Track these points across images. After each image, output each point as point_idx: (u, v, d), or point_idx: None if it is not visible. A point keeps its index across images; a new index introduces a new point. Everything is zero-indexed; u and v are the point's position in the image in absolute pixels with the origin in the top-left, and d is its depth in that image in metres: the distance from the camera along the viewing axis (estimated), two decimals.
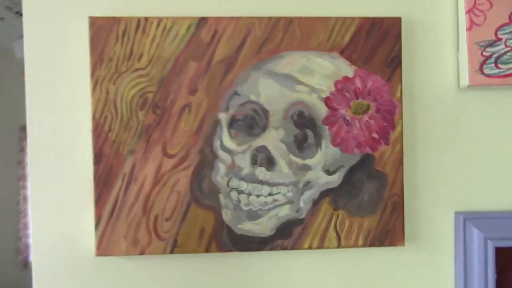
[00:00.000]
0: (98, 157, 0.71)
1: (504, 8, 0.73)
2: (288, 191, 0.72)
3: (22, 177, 3.14)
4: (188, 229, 0.71)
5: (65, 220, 0.72)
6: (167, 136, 0.72)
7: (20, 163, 3.17)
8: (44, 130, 0.72)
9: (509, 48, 0.73)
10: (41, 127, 0.72)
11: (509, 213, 0.74)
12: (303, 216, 0.73)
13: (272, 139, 0.72)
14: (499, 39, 0.73)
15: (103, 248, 0.71)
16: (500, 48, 0.73)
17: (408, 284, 0.75)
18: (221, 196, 0.72)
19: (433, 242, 0.75)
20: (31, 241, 0.72)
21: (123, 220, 0.71)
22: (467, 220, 0.74)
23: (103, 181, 0.71)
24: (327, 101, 0.72)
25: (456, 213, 0.75)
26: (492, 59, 0.73)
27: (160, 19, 0.71)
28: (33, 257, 0.72)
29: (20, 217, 3.13)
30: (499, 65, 0.73)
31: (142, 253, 0.71)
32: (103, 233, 0.71)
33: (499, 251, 0.73)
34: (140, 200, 0.71)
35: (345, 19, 0.73)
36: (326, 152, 0.72)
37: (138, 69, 0.71)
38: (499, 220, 0.74)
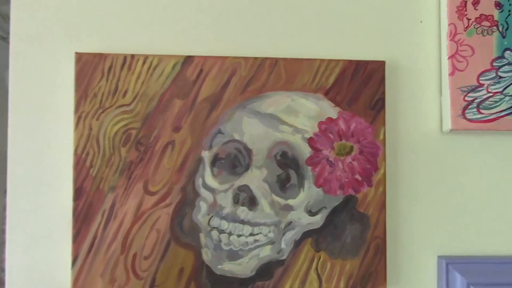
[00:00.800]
0: (78, 193, 0.70)
1: (485, 55, 0.74)
2: (269, 232, 0.71)
3: None
4: (167, 268, 0.70)
5: (42, 255, 0.71)
6: (149, 173, 0.71)
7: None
8: (25, 163, 0.71)
9: (491, 94, 0.74)
10: (22, 160, 0.72)
11: (493, 258, 0.74)
12: (284, 257, 0.72)
13: (255, 179, 0.72)
14: (481, 85, 0.74)
15: (79, 286, 0.69)
16: (482, 93, 0.74)
17: None
18: (201, 235, 0.71)
19: (416, 286, 0.74)
20: (6, 274, 0.71)
21: (101, 258, 0.70)
22: (450, 264, 0.73)
23: (82, 217, 0.70)
24: (310, 141, 0.72)
25: (439, 257, 0.74)
26: (475, 104, 0.74)
27: (146, 57, 0.72)
28: None
29: (3, 248, 3.07)
30: (481, 110, 0.74)
31: None
32: (80, 271, 0.69)
33: None
34: (119, 237, 0.70)
35: (330, 61, 0.74)
36: (309, 192, 0.72)
37: (122, 105, 0.71)
38: (482, 265, 0.73)
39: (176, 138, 0.72)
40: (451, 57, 0.74)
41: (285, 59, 0.73)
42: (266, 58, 0.73)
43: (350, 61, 0.74)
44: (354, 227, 0.72)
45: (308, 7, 0.76)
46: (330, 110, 0.73)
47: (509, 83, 0.74)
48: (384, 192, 0.73)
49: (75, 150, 0.71)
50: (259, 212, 0.71)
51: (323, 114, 0.73)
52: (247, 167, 0.72)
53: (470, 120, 0.74)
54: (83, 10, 0.74)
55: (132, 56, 0.72)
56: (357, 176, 0.73)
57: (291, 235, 0.72)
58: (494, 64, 0.74)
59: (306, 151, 0.72)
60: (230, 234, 0.71)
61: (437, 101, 0.76)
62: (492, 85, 0.74)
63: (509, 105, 0.74)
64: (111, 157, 0.71)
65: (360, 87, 0.74)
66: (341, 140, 0.73)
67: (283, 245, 0.72)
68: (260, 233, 0.71)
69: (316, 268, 0.72)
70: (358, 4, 0.76)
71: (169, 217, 0.71)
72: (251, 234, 0.71)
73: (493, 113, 0.74)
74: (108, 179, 0.71)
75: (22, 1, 0.73)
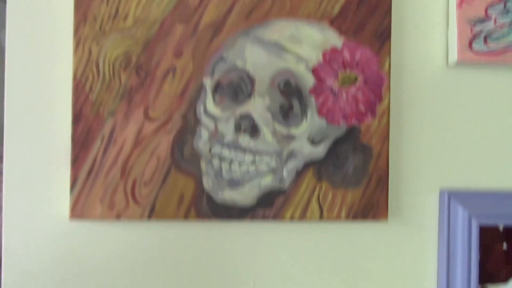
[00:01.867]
0: (77, 117, 0.69)
1: None
2: (271, 161, 0.70)
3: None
4: (167, 195, 0.69)
5: (40, 181, 0.70)
6: (150, 99, 0.70)
7: None
8: (23, 87, 0.70)
9: (498, 26, 0.73)
10: (20, 85, 0.70)
11: (495, 191, 0.73)
12: (285, 186, 0.71)
13: (257, 107, 0.70)
14: (489, 17, 0.73)
15: (78, 210, 0.68)
16: (489, 26, 0.72)
17: (390, 260, 0.73)
18: (202, 163, 0.70)
19: (417, 218, 0.74)
20: (3, 199, 0.70)
21: (100, 183, 0.69)
22: (452, 197, 0.72)
23: (82, 142, 0.69)
24: (314, 71, 0.71)
25: (441, 190, 0.74)
26: (482, 37, 0.72)
27: None
28: (5, 218, 0.69)
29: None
30: (488, 43, 0.72)
31: (118, 217, 0.69)
32: (79, 196, 0.68)
33: (483, 230, 0.72)
34: (119, 163, 0.69)
35: None
36: (312, 122, 0.71)
37: (123, 30, 0.70)
38: (484, 198, 0.73)
39: (178, 64, 0.70)
40: None
41: None
42: None
43: None
44: (357, 158, 0.72)
45: None
46: (335, 39, 0.72)
47: None
48: (387, 123, 0.72)
49: (74, 75, 0.69)
50: (261, 140, 0.70)
51: (327, 43, 0.72)
52: (249, 95, 0.70)
53: (476, 53, 0.72)
54: None
55: None
56: (361, 107, 0.72)
57: (293, 165, 0.71)
58: None
59: (309, 80, 0.71)
60: (231, 162, 0.70)
61: (443, 33, 0.75)
62: (500, 17, 0.73)
63: None
64: (111, 82, 0.69)
65: (366, 17, 0.72)
66: (345, 70, 0.72)
67: (284, 174, 0.71)
68: (262, 162, 0.70)
69: (318, 198, 0.71)
70: None
71: (169, 144, 0.70)
72: (253, 163, 0.70)
73: (500, 46, 0.73)
74: (108, 104, 0.69)
75: None
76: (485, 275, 0.73)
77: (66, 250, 0.70)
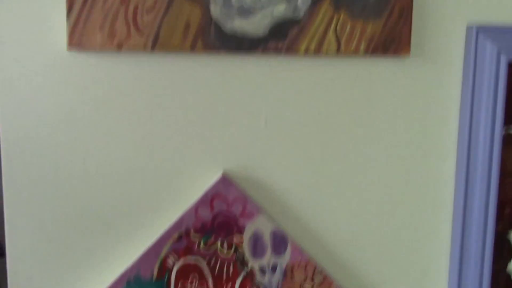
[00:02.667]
0: None
1: None
2: None
3: None
4: (172, 24, 0.64)
5: (33, 10, 0.64)
6: None
7: None
8: None
9: None
10: None
11: None
12: (300, 16, 0.65)
13: None
14: None
15: (76, 40, 0.63)
16: None
17: (410, 98, 0.69)
18: None
19: (441, 55, 0.68)
20: None
21: (99, 9, 0.63)
22: (480, 32, 0.67)
23: None
24: None
25: (468, 24, 0.68)
26: None
27: None
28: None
29: None
30: None
31: (119, 47, 0.64)
32: (76, 23, 0.63)
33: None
34: None
35: None
36: None
37: None
38: None
39: None
40: None
41: None
42: None
43: None
44: None
45: None
46: None
47: None
48: None
49: None
50: None
51: None
52: None
53: None
54: None
55: None
56: None
57: None
58: None
59: None
60: None
61: None
62: None
63: None
64: None
65: None
66: None
67: (299, 3, 0.65)
68: None
69: (335, 29, 0.66)
70: None
71: None
72: None
73: None
74: None
75: None
76: (510, 116, 0.68)
77: (65, 83, 0.65)
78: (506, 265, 0.72)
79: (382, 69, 0.68)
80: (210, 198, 0.68)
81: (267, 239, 0.69)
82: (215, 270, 0.69)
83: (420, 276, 0.73)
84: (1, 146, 0.66)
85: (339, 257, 0.72)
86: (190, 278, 0.69)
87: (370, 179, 0.70)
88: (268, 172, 0.69)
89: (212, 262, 0.69)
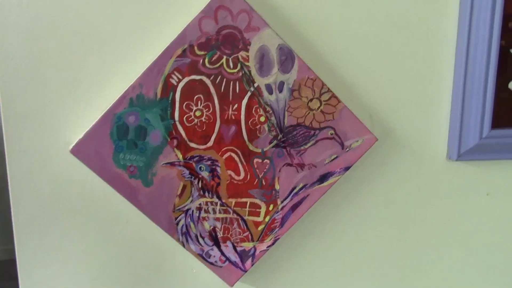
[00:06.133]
0: None
1: None
2: None
3: None
4: None
5: None
6: None
7: None
8: None
9: None
10: None
11: None
12: None
13: None
14: None
15: None
16: None
17: None
18: None
19: None
20: None
21: None
22: None
23: None
24: None
25: None
26: None
27: None
28: None
29: None
30: None
31: None
32: None
33: None
34: None
35: None
36: None
37: None
38: None
39: None
40: None
41: None
42: None
43: None
44: None
45: None
46: None
47: None
48: None
49: None
50: None
51: None
52: None
53: None
54: None
55: None
56: None
57: None
58: None
59: None
60: None
61: None
62: None
63: None
64: None
65: None
66: None
67: None
68: None
69: None
70: None
71: None
72: None
73: None
74: None
75: None
76: None
77: None
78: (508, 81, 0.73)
79: None
80: (214, 9, 0.64)
81: (273, 55, 0.66)
82: (220, 89, 0.67)
83: (424, 94, 0.72)
84: None
85: (345, 79, 0.70)
86: (195, 99, 0.66)
87: None
88: None
89: (218, 80, 0.66)
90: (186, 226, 0.70)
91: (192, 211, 0.69)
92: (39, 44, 0.64)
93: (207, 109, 0.67)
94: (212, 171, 0.68)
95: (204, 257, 0.71)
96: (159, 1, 0.64)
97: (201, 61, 0.65)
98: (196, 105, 0.66)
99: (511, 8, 0.70)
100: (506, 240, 0.78)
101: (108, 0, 0.63)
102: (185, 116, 0.66)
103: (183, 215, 0.69)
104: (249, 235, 0.71)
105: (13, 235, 0.68)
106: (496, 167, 0.76)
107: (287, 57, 0.67)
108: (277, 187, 0.70)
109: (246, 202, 0.70)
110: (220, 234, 0.71)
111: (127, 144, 0.66)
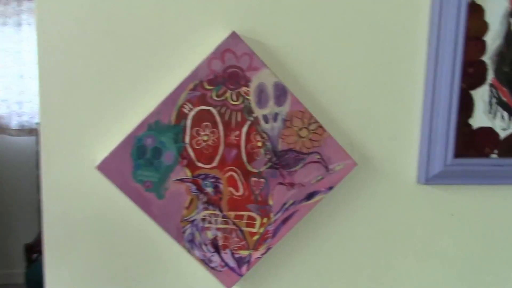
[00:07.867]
0: None
1: None
2: None
3: None
4: None
5: None
6: None
7: None
8: None
9: None
10: None
11: None
12: None
13: None
14: None
15: None
16: None
17: None
18: None
19: None
20: None
21: None
22: None
23: None
24: None
25: None
26: None
27: None
28: None
29: None
30: None
31: None
32: None
33: None
34: None
35: None
36: None
37: None
38: None
39: None
40: None
41: None
42: None
43: None
44: None
45: None
46: None
47: None
48: None
49: None
50: None
51: None
52: None
53: None
54: None
55: None
56: None
57: None
58: None
59: None
60: None
61: None
62: None
63: None
64: None
65: None
66: None
67: None
68: None
69: None
70: None
71: None
72: None
73: None
74: None
75: None
76: None
77: None
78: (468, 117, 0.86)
79: None
80: (221, 51, 0.77)
81: (270, 90, 0.79)
82: (225, 118, 0.79)
83: (397, 127, 0.85)
84: None
85: (330, 112, 0.83)
86: (203, 125, 0.79)
87: None
88: (273, 34, 0.79)
89: (223, 110, 0.79)
90: (192, 234, 0.81)
91: (198, 221, 0.81)
92: (76, 81, 0.77)
93: (213, 135, 0.79)
94: (216, 187, 0.80)
95: (206, 262, 0.82)
96: (176, 44, 0.77)
97: (209, 94, 0.78)
98: (204, 131, 0.79)
99: (470, 56, 0.84)
100: (468, 255, 0.90)
101: (136, 42, 0.76)
102: (195, 140, 0.79)
103: (189, 224, 0.81)
104: (246, 244, 0.82)
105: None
106: (459, 191, 0.88)
107: (281, 93, 0.80)
108: (270, 202, 0.82)
109: (244, 215, 0.82)
110: (220, 242, 0.82)
111: (144, 162, 0.78)
